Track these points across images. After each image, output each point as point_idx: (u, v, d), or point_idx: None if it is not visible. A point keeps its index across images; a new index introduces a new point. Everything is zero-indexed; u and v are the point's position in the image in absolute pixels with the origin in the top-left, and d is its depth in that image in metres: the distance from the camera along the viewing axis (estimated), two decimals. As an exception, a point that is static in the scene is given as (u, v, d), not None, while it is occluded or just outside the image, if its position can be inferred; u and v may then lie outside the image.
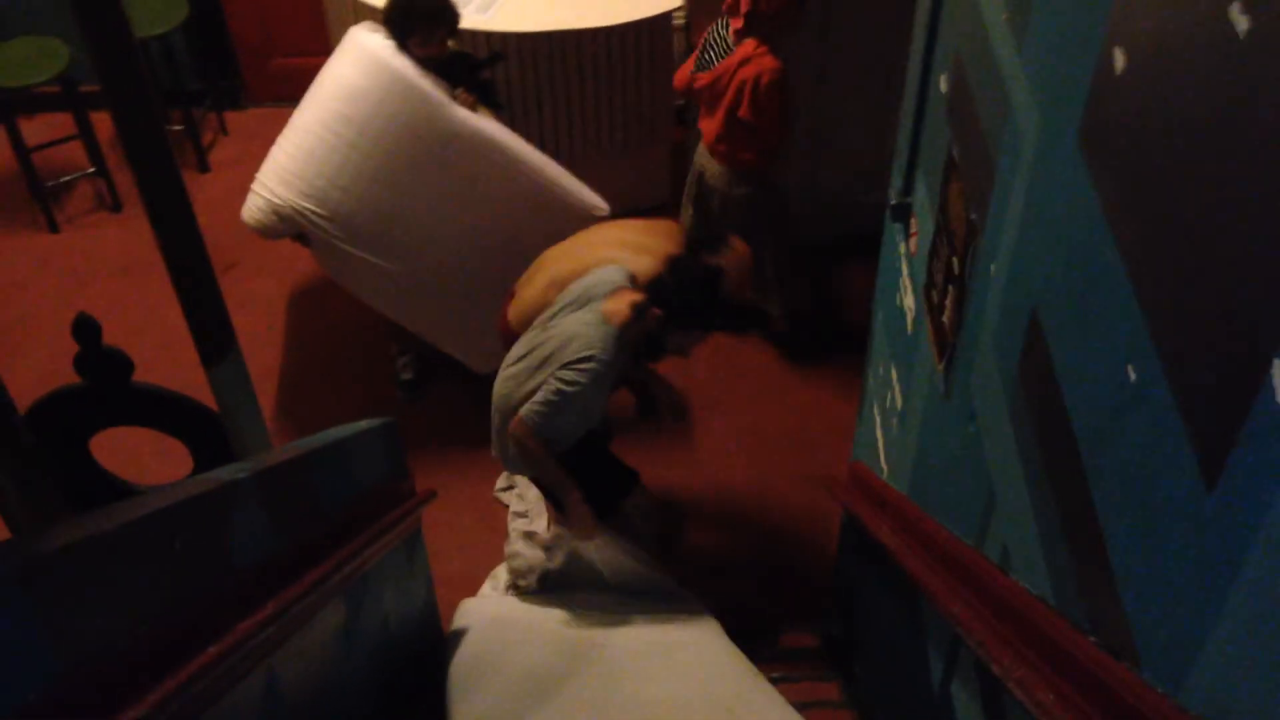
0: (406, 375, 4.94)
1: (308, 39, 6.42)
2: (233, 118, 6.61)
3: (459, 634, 3.51)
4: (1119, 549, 1.48)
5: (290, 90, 6.78)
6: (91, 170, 5.88)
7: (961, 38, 2.35)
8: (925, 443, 2.66)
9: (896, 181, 2.90)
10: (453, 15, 4.11)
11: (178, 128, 6.08)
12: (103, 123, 5.62)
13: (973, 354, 2.19)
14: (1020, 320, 1.88)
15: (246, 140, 6.48)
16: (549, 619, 3.57)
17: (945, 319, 2.41)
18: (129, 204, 5.88)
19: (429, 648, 3.79)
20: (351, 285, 4.41)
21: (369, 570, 2.87)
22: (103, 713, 1.43)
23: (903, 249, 2.91)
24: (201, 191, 5.85)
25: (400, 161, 4.08)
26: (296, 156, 4.07)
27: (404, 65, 4.03)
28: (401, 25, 4.04)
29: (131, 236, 5.77)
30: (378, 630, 3.06)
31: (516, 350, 3.38)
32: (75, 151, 5.89)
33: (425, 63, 4.06)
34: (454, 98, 4.07)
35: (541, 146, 4.45)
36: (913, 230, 2.79)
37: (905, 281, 2.87)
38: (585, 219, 4.17)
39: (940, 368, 2.45)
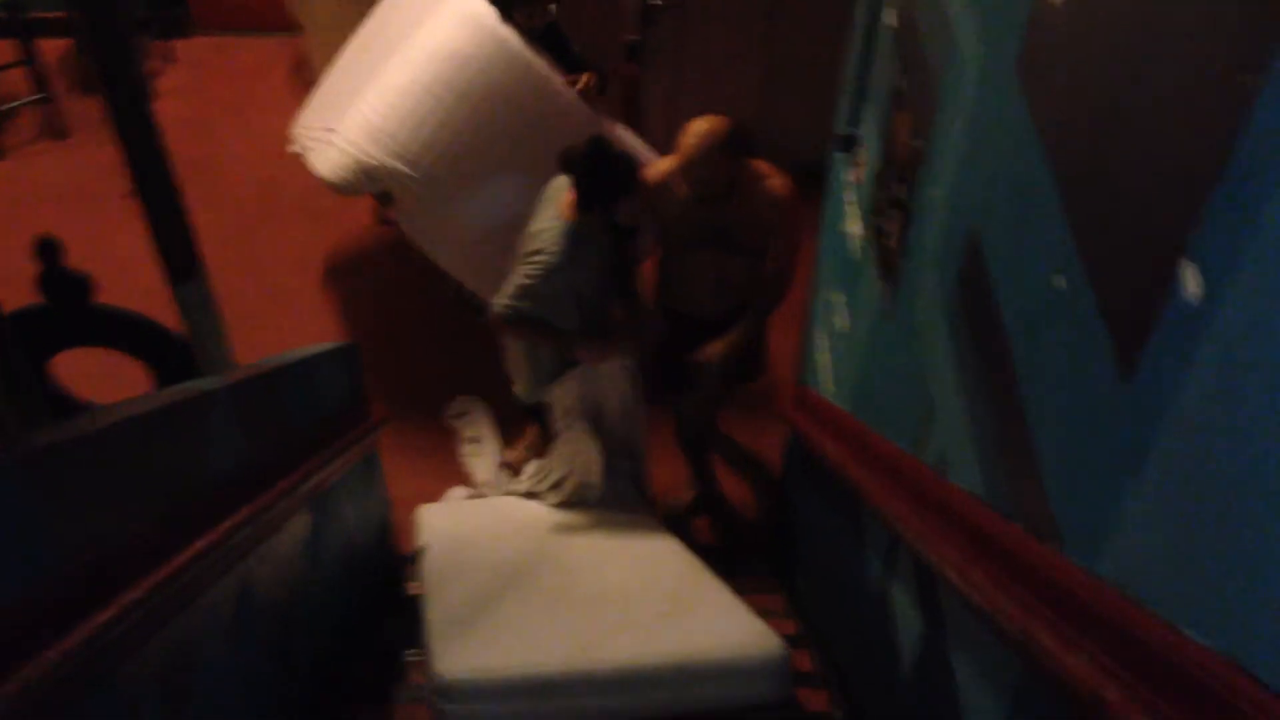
0: None
1: (256, -33, 6.38)
2: (180, 46, 6.55)
3: (430, 535, 3.66)
4: (1044, 442, 1.62)
5: (238, 19, 6.77)
6: (38, 97, 5.82)
7: (909, -27, 2.45)
8: (869, 361, 2.80)
9: (844, 112, 3.01)
10: None
11: (123, 55, 6.02)
12: (49, 49, 5.57)
13: (915, 274, 2.33)
14: (960, 240, 2.01)
15: (193, 69, 6.45)
16: (510, 522, 3.77)
17: (890, 243, 2.54)
18: (76, 131, 5.84)
19: (386, 564, 3.92)
20: (431, 248, 4.39)
21: (332, 485, 2.97)
22: (98, 600, 1.53)
23: (849, 177, 3.03)
24: (148, 120, 5.82)
25: (499, 130, 4.07)
26: (391, 116, 4.01)
27: (511, 36, 4.03)
28: None
29: (77, 164, 5.74)
30: (340, 545, 3.17)
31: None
32: (20, 78, 5.83)
33: (528, 33, 4.07)
34: (573, 82, 4.11)
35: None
36: (859, 159, 2.91)
37: (850, 209, 2.99)
38: None
39: (884, 290, 2.59)
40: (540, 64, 4.06)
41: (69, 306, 3.13)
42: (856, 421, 2.81)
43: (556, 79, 4.11)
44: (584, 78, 4.16)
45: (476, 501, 4.23)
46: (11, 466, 1.41)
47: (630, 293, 3.75)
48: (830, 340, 3.30)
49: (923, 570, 2.21)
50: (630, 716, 2.75)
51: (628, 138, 4.39)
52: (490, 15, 4.04)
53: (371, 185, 4.10)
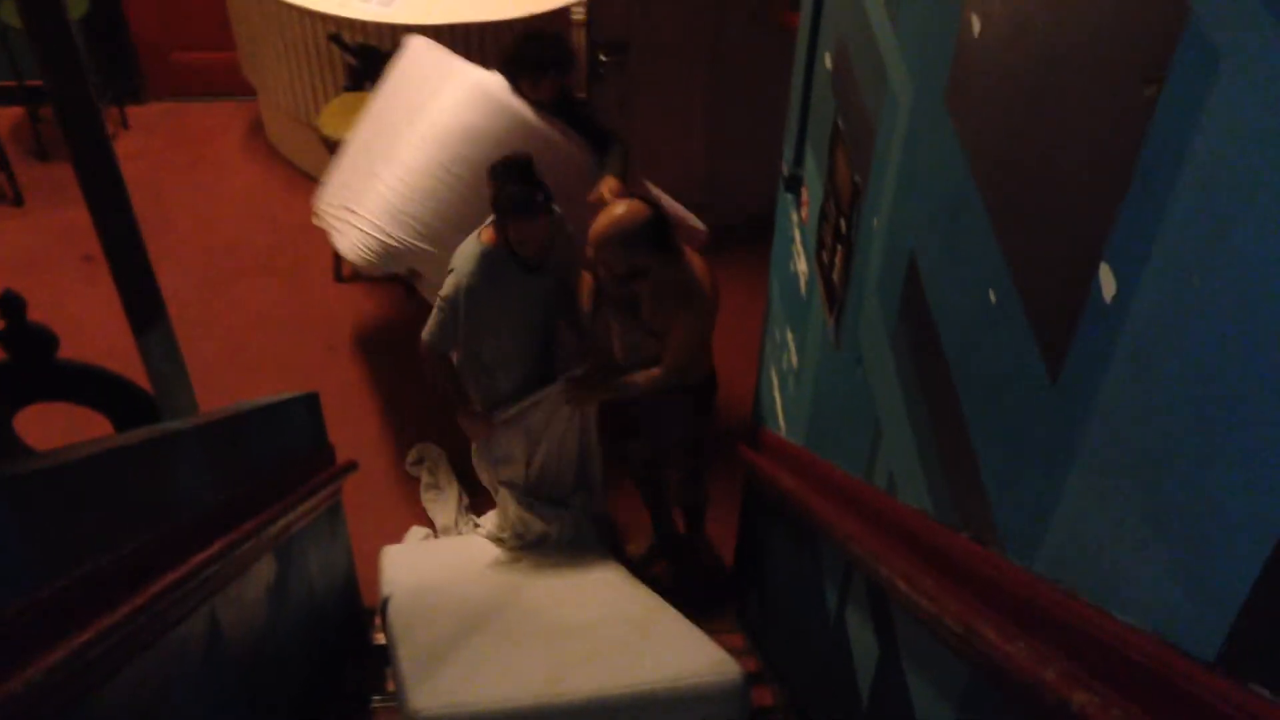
0: None
1: (208, 33, 6.47)
2: (134, 112, 6.61)
3: (393, 581, 3.69)
4: (983, 449, 1.70)
5: (191, 85, 6.85)
6: (-6, 165, 5.86)
7: (843, 19, 2.58)
8: (819, 395, 2.89)
9: (789, 154, 3.12)
10: (563, 62, 4.12)
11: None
12: (1, 118, 5.62)
13: (859, 304, 2.42)
14: (899, 265, 2.11)
15: (148, 134, 6.51)
16: (472, 563, 3.82)
17: (835, 276, 2.63)
18: (30, 198, 5.87)
19: (352, 610, 3.93)
20: None
21: (296, 532, 3.00)
22: (79, 620, 1.56)
23: (795, 218, 3.13)
24: (104, 184, 5.85)
25: None
26: (412, 198, 4.04)
27: (523, 107, 4.06)
28: (511, 69, 4.10)
29: (33, 230, 5.77)
30: (305, 592, 3.19)
31: None
32: (-27, 148, 5.86)
33: (537, 104, 4.10)
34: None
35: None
36: (804, 200, 3.02)
37: (798, 248, 3.09)
38: (690, 242, 4.04)
39: (831, 322, 2.68)
40: (551, 132, 4.08)
41: (34, 362, 3.16)
42: (809, 454, 2.89)
43: (569, 145, 4.11)
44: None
45: (438, 542, 4.29)
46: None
47: (579, 335, 3.80)
48: (780, 378, 3.39)
49: (875, 593, 2.28)
50: None
51: (670, 204, 4.36)
52: (502, 88, 4.09)
53: (396, 265, 4.14)
